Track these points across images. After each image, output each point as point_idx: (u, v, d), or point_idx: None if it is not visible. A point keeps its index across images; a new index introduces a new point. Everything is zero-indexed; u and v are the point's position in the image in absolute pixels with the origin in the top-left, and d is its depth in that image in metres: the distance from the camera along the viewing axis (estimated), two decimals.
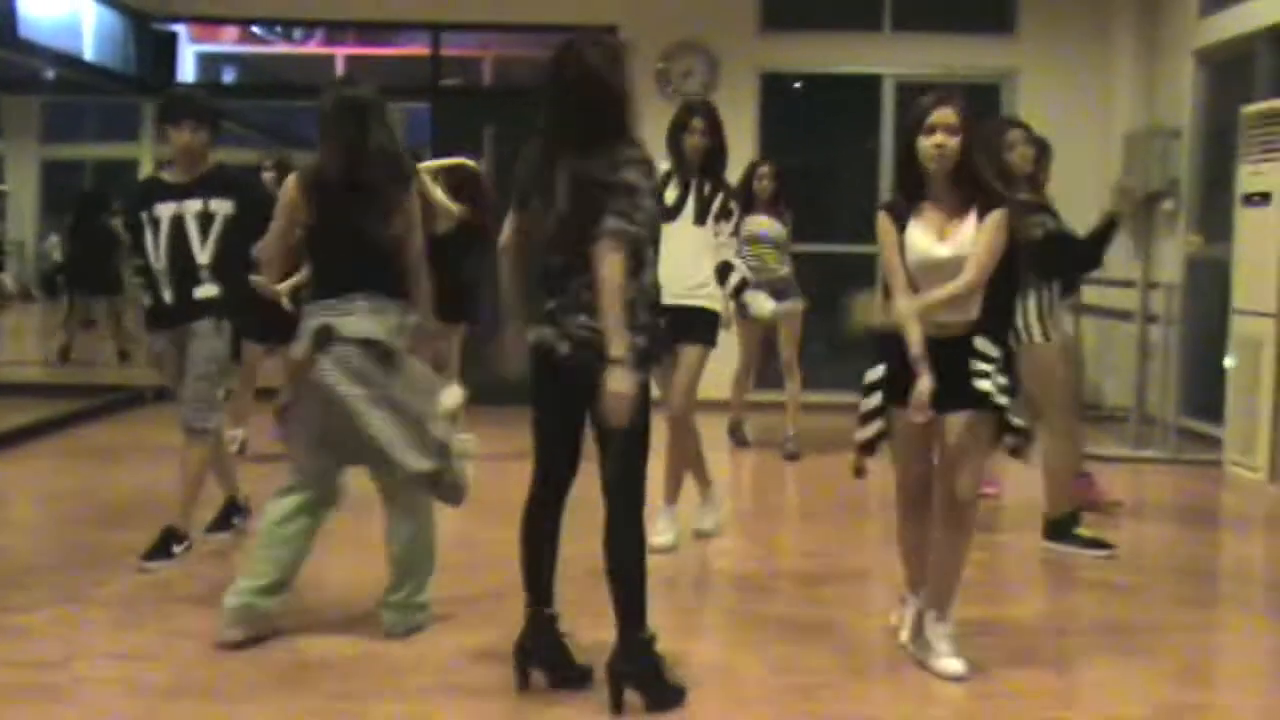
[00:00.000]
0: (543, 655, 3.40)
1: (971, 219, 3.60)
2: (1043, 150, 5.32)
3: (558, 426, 3.38)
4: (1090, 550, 4.95)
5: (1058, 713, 3.46)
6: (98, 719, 3.32)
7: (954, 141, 3.56)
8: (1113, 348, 8.54)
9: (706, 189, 5.07)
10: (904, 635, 3.82)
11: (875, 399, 3.67)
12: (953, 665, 3.59)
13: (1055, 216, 5.00)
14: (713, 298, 5.04)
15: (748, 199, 6.87)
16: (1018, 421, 3.61)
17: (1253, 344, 6.60)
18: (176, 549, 4.66)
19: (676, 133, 5.11)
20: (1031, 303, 4.90)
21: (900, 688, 3.60)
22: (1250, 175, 6.75)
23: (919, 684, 3.59)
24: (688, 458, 5.15)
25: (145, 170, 10.65)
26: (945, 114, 3.57)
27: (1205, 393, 7.59)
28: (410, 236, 3.89)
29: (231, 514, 5.05)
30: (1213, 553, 5.45)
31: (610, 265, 3.14)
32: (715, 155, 5.13)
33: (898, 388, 3.58)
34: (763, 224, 7.06)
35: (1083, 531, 5.02)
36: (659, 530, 4.87)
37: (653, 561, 3.40)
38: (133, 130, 10.89)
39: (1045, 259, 4.78)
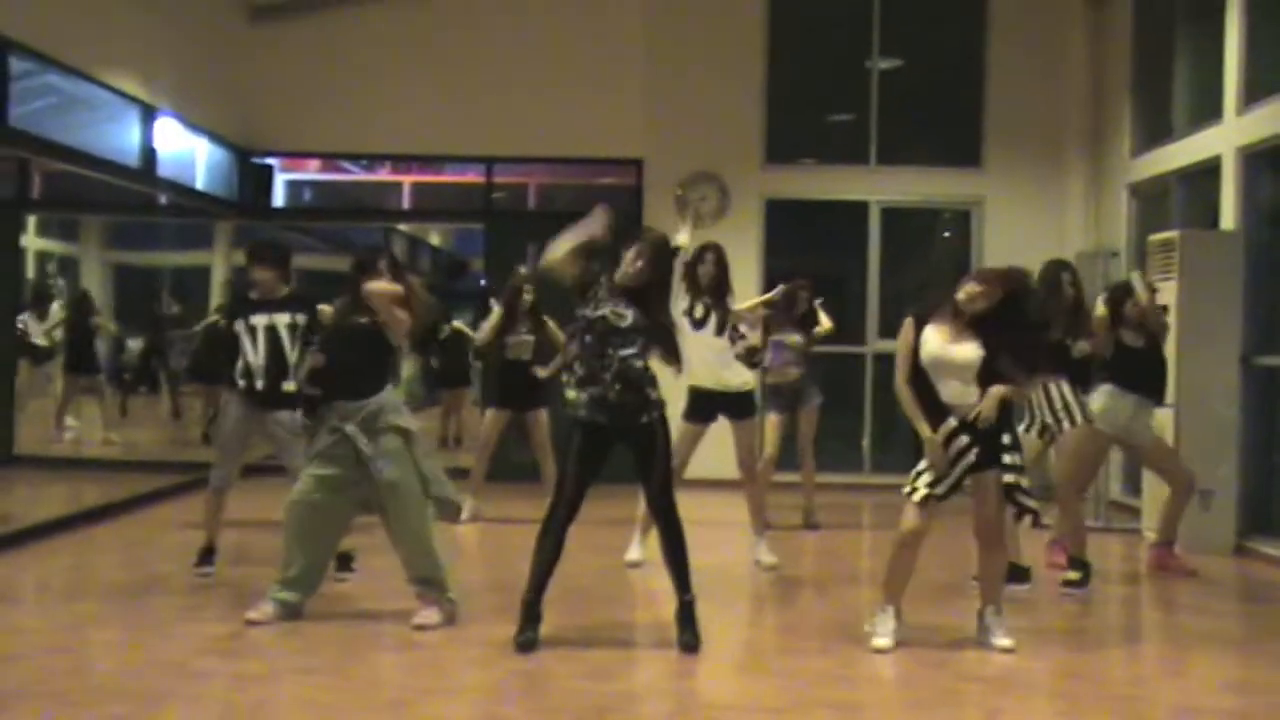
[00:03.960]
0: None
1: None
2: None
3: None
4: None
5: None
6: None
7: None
8: None
9: (718, 308, 6.83)
10: (881, 642, 5.09)
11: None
12: (1005, 641, 5.05)
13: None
14: (746, 382, 6.91)
15: (785, 313, 8.18)
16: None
17: (1160, 428, 7.92)
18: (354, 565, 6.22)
19: (693, 265, 6.81)
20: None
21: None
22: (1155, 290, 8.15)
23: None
24: (757, 500, 7.00)
25: (217, 276, 12.36)
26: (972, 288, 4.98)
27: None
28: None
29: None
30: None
31: None
32: (723, 283, 6.89)
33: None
34: (792, 338, 8.24)
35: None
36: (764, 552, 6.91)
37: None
38: (208, 241, 12.54)
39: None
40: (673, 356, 5.14)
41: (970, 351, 4.97)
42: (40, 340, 11.75)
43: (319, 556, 5.44)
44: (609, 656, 4.98)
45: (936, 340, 5.02)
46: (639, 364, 5.05)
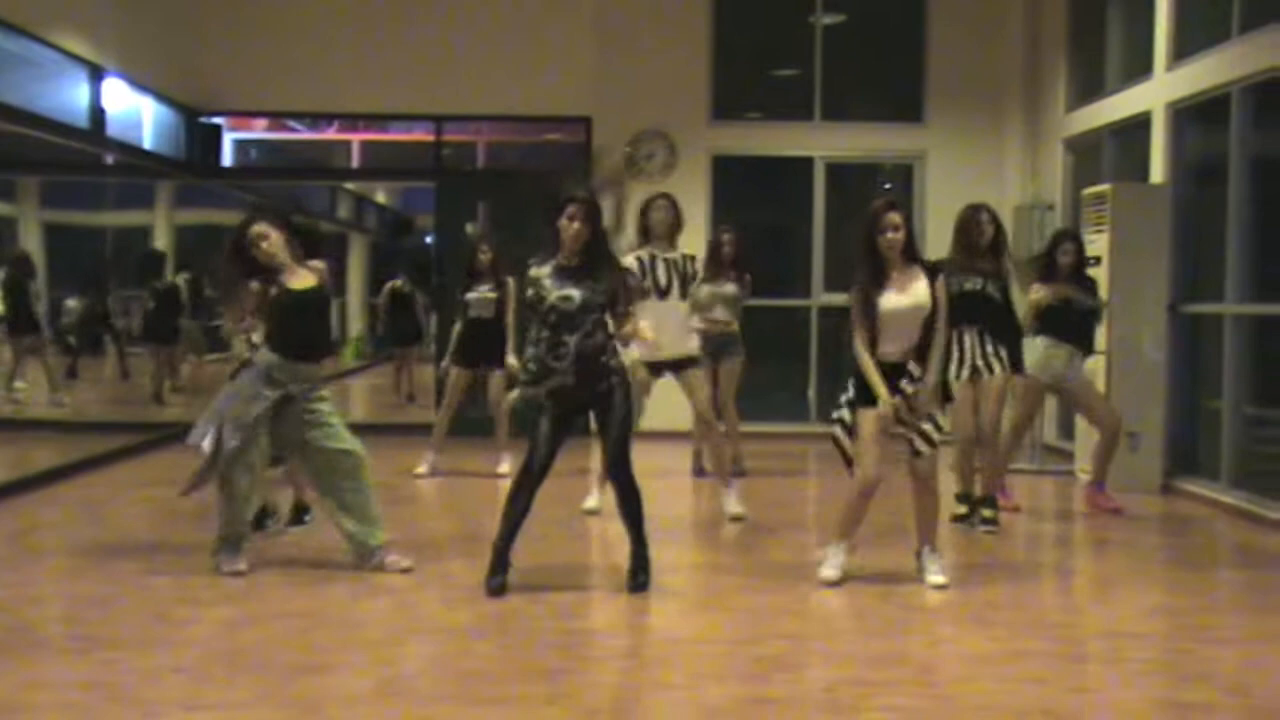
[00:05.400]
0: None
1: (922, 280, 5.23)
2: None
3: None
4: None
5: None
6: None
7: (901, 235, 5.21)
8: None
9: (682, 265, 6.87)
10: (829, 573, 5.41)
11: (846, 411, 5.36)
12: (939, 579, 5.35)
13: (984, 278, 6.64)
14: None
15: (715, 264, 8.29)
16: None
17: (1090, 375, 8.26)
18: (307, 518, 6.45)
19: (644, 212, 6.87)
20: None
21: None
22: (1087, 242, 8.48)
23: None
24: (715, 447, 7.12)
25: (158, 236, 12.38)
26: (894, 217, 5.21)
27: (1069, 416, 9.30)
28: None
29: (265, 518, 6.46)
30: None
31: None
32: (677, 227, 6.94)
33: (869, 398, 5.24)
34: (726, 286, 8.35)
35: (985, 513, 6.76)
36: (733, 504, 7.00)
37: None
38: (149, 201, 12.50)
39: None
40: (626, 311, 5.25)
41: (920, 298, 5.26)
42: None
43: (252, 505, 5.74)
44: (572, 598, 5.22)
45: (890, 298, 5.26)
46: (593, 341, 5.14)
